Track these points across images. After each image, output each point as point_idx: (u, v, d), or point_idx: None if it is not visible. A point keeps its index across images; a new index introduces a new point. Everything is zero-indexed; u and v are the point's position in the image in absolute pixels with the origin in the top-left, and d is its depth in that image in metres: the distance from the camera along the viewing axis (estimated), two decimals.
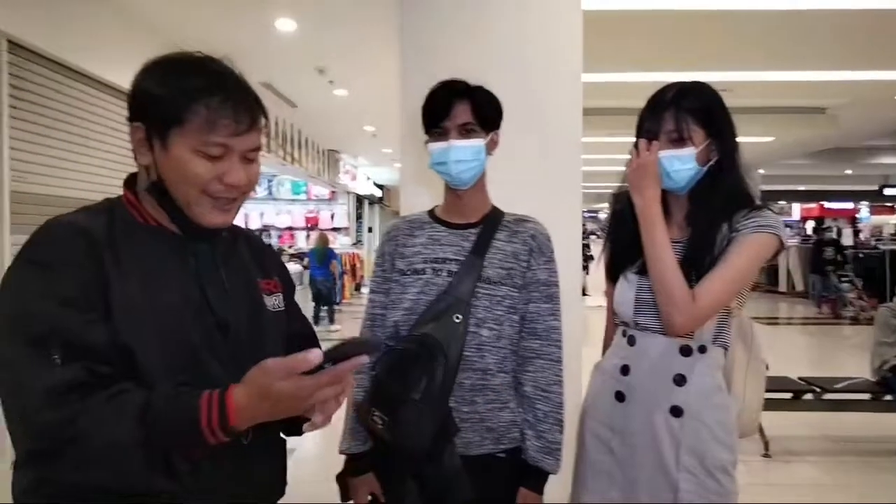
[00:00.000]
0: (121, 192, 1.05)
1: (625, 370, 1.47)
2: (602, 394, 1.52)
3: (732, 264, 1.36)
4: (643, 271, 1.46)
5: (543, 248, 1.50)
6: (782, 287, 13.94)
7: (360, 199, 15.69)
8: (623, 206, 1.56)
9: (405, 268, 1.48)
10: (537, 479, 1.45)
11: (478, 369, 1.41)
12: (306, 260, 9.63)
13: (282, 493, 1.11)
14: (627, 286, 1.49)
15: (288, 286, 1.18)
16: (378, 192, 17.27)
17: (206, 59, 1.00)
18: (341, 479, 1.50)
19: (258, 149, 1.01)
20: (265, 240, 8.82)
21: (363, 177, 14.98)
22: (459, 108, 1.43)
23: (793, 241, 15.17)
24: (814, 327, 10.34)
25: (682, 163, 1.40)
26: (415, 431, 1.26)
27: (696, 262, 1.39)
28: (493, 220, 1.50)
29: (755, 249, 1.37)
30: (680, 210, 1.49)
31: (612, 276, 1.55)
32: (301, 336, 1.15)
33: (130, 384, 0.88)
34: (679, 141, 1.40)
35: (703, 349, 1.42)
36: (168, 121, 0.94)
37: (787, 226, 18.32)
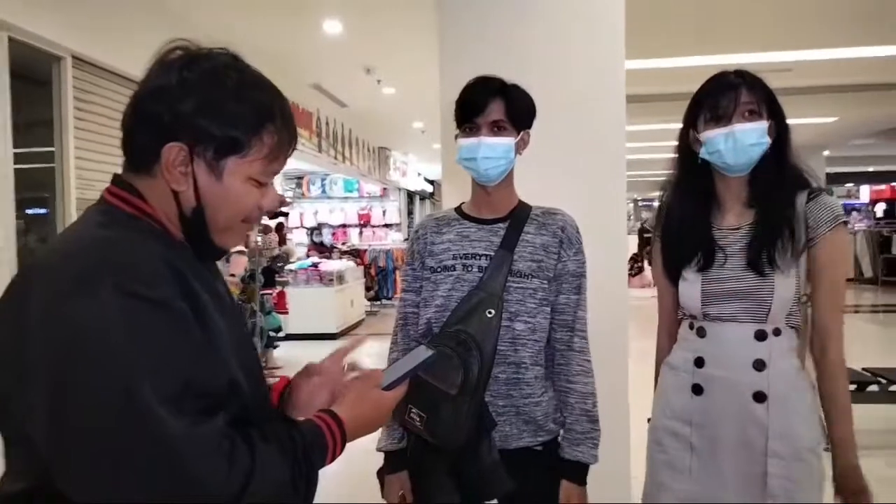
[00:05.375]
0: None
1: (699, 362, 1.45)
2: (675, 389, 1.50)
3: (834, 282, 1.41)
4: (703, 268, 1.46)
5: (573, 239, 1.50)
6: (849, 273, 13.35)
7: (410, 196, 15.81)
8: (666, 200, 1.57)
9: (435, 265, 1.50)
10: (575, 471, 1.47)
11: (512, 363, 1.42)
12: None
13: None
14: (689, 285, 1.47)
15: None
16: (429, 188, 17.37)
17: (249, 69, 0.88)
18: (380, 475, 1.54)
19: None
20: (316, 238, 8.85)
21: (413, 173, 15.09)
22: (493, 105, 1.43)
23: (860, 225, 14.49)
24: (883, 315, 9.85)
25: (758, 135, 1.39)
26: (453, 427, 1.28)
27: (767, 243, 1.39)
28: (521, 213, 1.51)
29: (843, 251, 1.43)
30: (733, 197, 1.47)
31: (670, 275, 1.53)
32: None
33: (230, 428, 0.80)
34: (752, 116, 1.41)
35: (777, 332, 1.40)
36: (230, 146, 0.84)
37: (854, 209, 17.39)
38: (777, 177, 1.43)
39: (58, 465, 0.73)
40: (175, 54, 0.86)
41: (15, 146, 3.32)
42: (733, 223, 1.47)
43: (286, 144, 0.89)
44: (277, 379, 1.09)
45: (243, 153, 0.85)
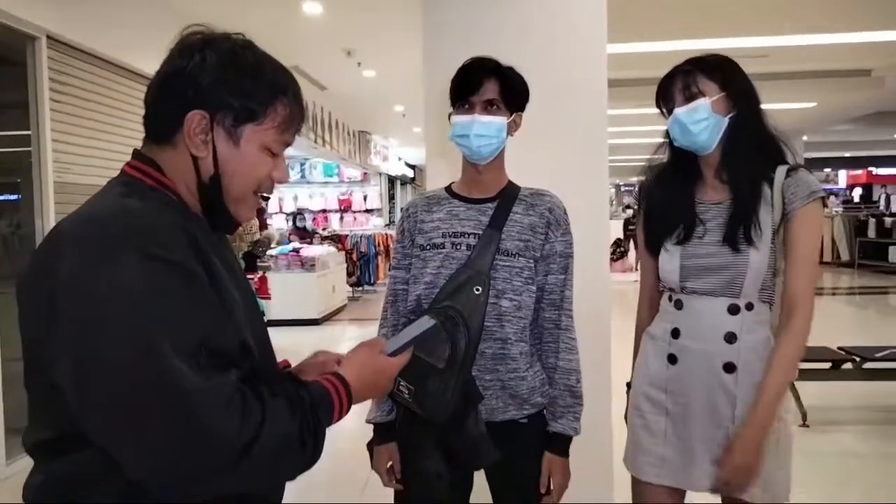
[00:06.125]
0: None
1: (675, 333, 1.51)
2: (653, 358, 1.56)
3: (806, 255, 1.42)
4: (682, 241, 1.51)
5: (560, 221, 1.53)
6: (826, 257, 13.59)
7: (392, 180, 15.77)
8: (651, 178, 1.63)
9: (424, 243, 1.52)
10: (559, 443, 1.52)
11: (498, 339, 1.46)
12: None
13: None
14: (669, 257, 1.53)
15: None
16: (410, 173, 17.32)
17: (262, 51, 0.95)
18: (370, 446, 1.58)
19: None
20: (299, 223, 8.75)
21: (395, 157, 15.04)
22: (487, 85, 1.46)
23: (838, 209, 14.74)
24: (859, 297, 10.08)
25: (698, 113, 1.44)
26: (440, 399, 1.31)
27: (742, 220, 1.44)
28: (510, 193, 1.54)
29: (817, 226, 1.44)
30: (711, 172, 1.52)
31: (652, 248, 1.59)
32: None
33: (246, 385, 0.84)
34: (691, 97, 1.46)
35: (750, 306, 1.45)
36: (248, 114, 0.90)
37: (832, 194, 17.63)
38: (746, 151, 1.46)
39: (83, 413, 0.78)
40: (195, 38, 0.92)
41: None
42: (714, 198, 1.52)
43: (297, 118, 0.97)
44: None
45: (259, 121, 0.92)
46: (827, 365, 4.16)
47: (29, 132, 3.60)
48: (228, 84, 0.89)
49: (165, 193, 0.91)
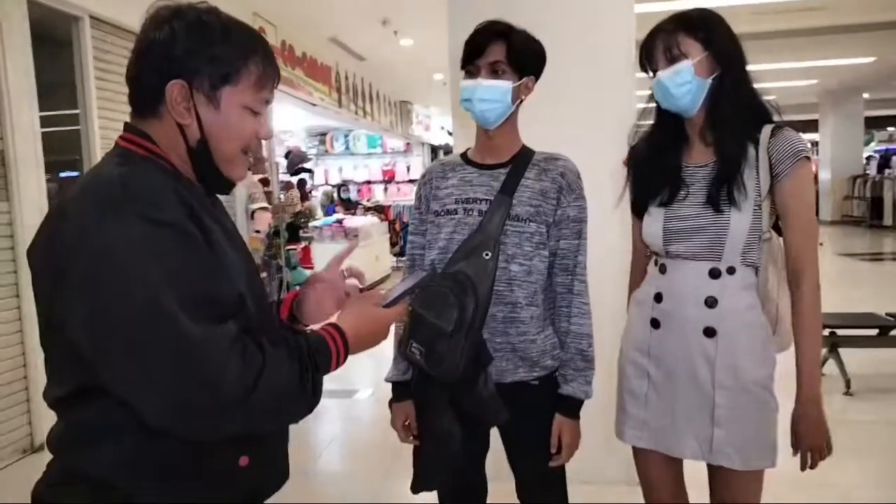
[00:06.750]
0: None
1: (658, 298, 1.51)
2: (638, 322, 1.57)
3: (803, 219, 1.41)
4: (665, 203, 1.49)
5: (573, 186, 1.53)
6: (887, 220, 13.00)
7: (434, 150, 15.75)
8: (640, 142, 1.60)
9: (439, 209, 1.55)
10: (569, 405, 1.54)
11: (508, 303, 1.48)
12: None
13: None
14: (652, 220, 1.51)
15: None
16: (452, 142, 17.27)
17: (228, 15, 0.99)
18: (390, 404, 1.66)
19: None
20: (343, 194, 8.92)
21: (437, 126, 14.99)
22: (494, 47, 1.45)
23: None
24: None
25: (680, 76, 1.41)
26: (448, 360, 1.36)
27: (726, 180, 1.41)
28: (522, 159, 1.53)
29: (808, 186, 1.42)
30: (696, 134, 1.50)
31: (638, 211, 1.58)
32: None
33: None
34: (673, 59, 1.42)
35: (731, 270, 1.43)
36: (223, 78, 0.95)
37: (894, 154, 16.65)
38: (730, 112, 1.43)
39: (97, 364, 0.85)
40: (163, 11, 0.97)
41: (43, 109, 3.41)
42: (700, 161, 1.49)
43: (271, 76, 1.01)
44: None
45: (234, 83, 0.96)
46: (874, 332, 4.04)
47: (78, 111, 3.77)
48: (199, 51, 0.94)
49: (158, 161, 0.96)
